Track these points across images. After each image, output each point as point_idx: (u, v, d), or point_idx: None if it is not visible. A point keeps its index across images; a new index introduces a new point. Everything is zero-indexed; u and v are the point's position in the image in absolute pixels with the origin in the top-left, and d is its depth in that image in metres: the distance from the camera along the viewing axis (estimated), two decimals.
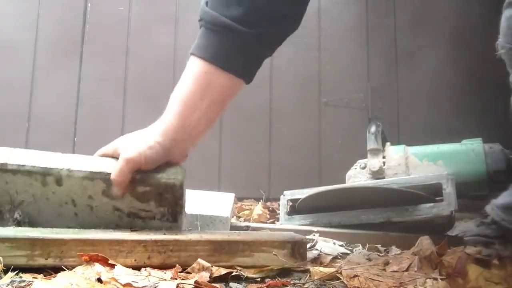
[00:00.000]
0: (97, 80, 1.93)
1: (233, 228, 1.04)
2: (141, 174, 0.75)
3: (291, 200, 1.17)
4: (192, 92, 0.78)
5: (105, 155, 0.79)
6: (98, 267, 0.60)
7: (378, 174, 1.17)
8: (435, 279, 0.63)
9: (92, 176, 0.73)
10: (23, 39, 1.94)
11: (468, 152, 1.15)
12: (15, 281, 0.55)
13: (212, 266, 0.64)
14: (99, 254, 0.62)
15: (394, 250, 0.95)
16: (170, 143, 0.77)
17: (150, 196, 0.75)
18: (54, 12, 1.97)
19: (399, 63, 2.01)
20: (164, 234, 0.69)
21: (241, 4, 0.75)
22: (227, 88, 0.78)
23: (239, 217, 1.42)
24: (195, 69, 0.78)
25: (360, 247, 0.98)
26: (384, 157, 1.20)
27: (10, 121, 1.90)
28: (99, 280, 0.57)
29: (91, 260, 0.61)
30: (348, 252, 0.92)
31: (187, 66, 0.80)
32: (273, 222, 1.31)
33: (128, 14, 1.98)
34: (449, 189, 1.00)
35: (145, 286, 0.56)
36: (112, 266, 0.61)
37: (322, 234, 1.02)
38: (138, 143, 0.76)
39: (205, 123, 0.79)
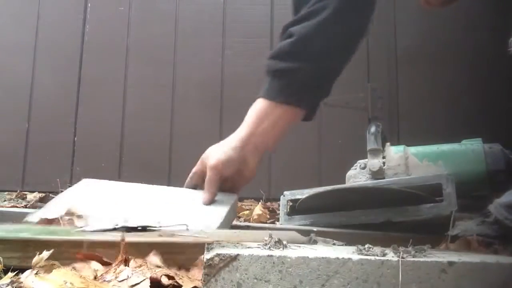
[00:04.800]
0: (97, 80, 1.93)
1: (233, 228, 1.04)
2: None
3: (291, 201, 1.17)
4: (261, 109, 1.00)
5: (197, 171, 0.98)
6: (95, 265, 0.60)
7: (378, 174, 1.17)
8: None
9: None
10: (23, 39, 1.94)
11: (468, 152, 1.15)
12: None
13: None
14: (94, 254, 0.61)
15: None
16: (243, 148, 0.97)
17: None
18: (54, 12, 1.97)
19: (399, 63, 2.01)
20: (160, 236, 0.68)
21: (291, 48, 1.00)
22: (287, 113, 1.01)
23: (239, 217, 1.42)
24: (261, 104, 1.02)
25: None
26: (384, 157, 1.19)
27: (10, 121, 1.90)
28: (95, 278, 0.57)
29: (86, 258, 0.60)
30: None
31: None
32: (273, 222, 1.31)
33: (128, 14, 1.98)
34: (449, 189, 1.00)
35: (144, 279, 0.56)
36: (109, 264, 0.61)
37: (322, 234, 1.02)
38: (217, 151, 0.96)
39: (273, 134, 1.00)
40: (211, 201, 0.93)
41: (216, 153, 0.97)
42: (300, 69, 0.99)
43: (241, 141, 0.98)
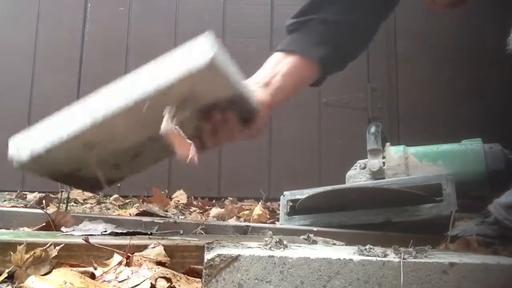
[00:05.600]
0: (97, 80, 1.93)
1: (234, 228, 1.04)
2: None
3: (291, 201, 1.17)
4: (271, 59, 0.99)
5: None
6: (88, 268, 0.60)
7: (378, 174, 1.17)
8: None
9: None
10: (23, 39, 1.94)
11: (468, 152, 1.15)
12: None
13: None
14: (80, 264, 0.61)
15: None
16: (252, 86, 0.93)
17: None
18: (54, 12, 1.97)
19: (399, 63, 2.01)
20: (149, 238, 0.68)
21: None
22: (295, 64, 0.97)
23: (239, 217, 1.42)
24: (275, 54, 1.00)
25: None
26: (384, 158, 1.20)
27: (10, 121, 1.90)
28: (93, 275, 0.57)
29: (72, 267, 0.60)
30: None
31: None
32: (273, 222, 1.31)
33: (128, 14, 1.98)
34: (449, 189, 1.00)
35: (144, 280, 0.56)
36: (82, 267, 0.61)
37: (322, 234, 1.02)
38: None
39: (281, 78, 0.95)
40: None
41: None
42: (311, 20, 0.99)
43: (256, 77, 0.97)
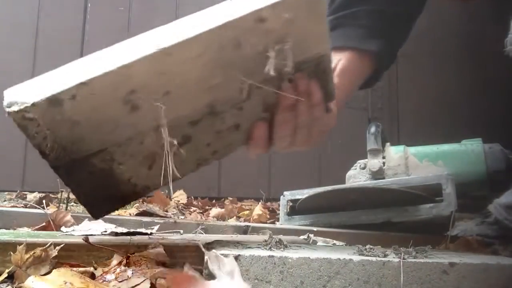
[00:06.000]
0: None
1: (234, 228, 1.04)
2: None
3: (291, 201, 1.18)
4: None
5: None
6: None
7: (378, 174, 1.17)
8: None
9: None
10: (23, 40, 1.94)
11: (468, 152, 1.15)
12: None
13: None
14: (80, 264, 0.60)
15: None
16: None
17: None
18: (54, 12, 1.97)
19: (399, 63, 2.01)
20: (149, 238, 0.68)
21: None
22: (349, 57, 0.91)
23: (239, 217, 1.42)
24: None
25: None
26: (384, 158, 1.20)
27: (11, 121, 1.89)
28: (93, 275, 0.57)
29: (72, 267, 0.60)
30: None
31: None
32: (273, 222, 1.31)
33: (128, 14, 1.98)
34: (449, 190, 1.00)
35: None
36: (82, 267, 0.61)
37: (322, 234, 1.02)
38: None
39: (337, 76, 0.88)
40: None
41: None
42: (357, 12, 0.93)
43: None
